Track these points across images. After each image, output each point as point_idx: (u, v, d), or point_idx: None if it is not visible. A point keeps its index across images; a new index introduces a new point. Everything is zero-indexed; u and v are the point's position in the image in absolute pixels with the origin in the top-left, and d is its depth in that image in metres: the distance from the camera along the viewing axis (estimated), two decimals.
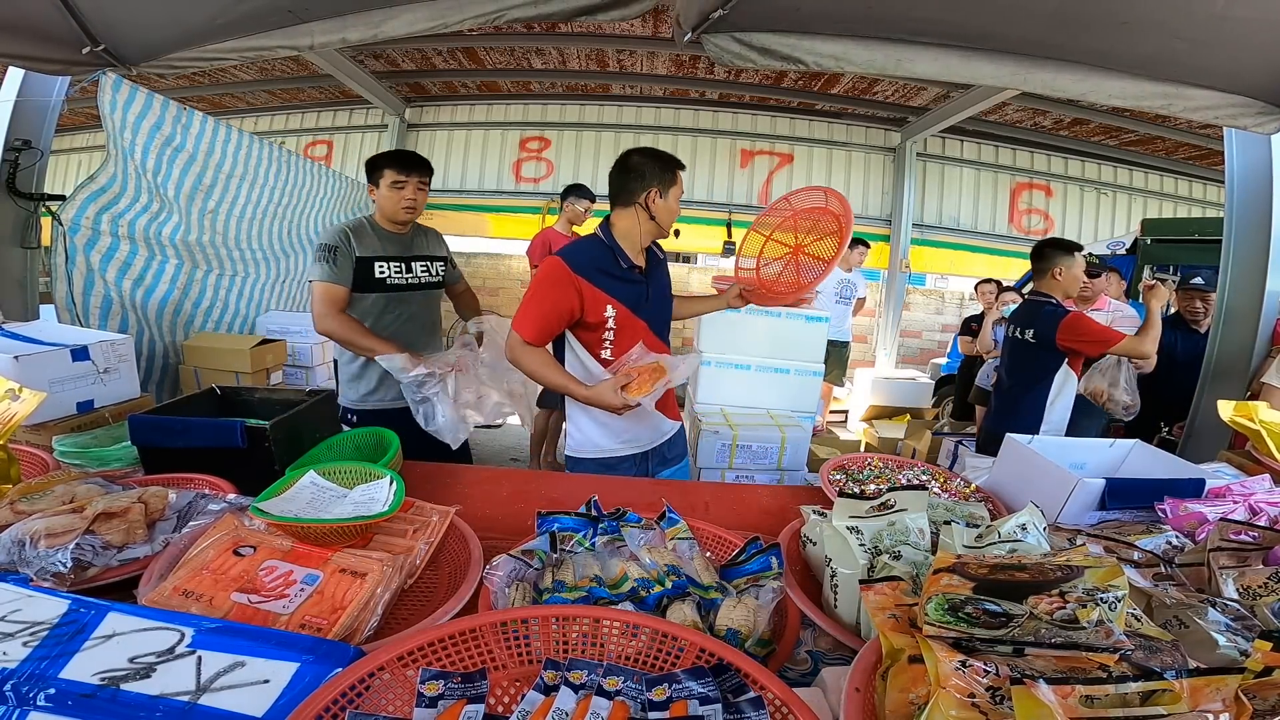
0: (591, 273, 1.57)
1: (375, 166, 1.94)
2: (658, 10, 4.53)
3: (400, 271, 1.99)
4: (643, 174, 1.60)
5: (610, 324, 1.60)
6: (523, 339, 1.57)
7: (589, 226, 3.29)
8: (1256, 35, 1.52)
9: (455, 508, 1.11)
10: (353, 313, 1.93)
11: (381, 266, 1.94)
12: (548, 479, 1.69)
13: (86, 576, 0.88)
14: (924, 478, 1.51)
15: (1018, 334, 2.51)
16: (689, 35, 1.90)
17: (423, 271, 2.06)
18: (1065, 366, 2.38)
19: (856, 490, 1.41)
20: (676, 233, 1.61)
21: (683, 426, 1.87)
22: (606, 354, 1.63)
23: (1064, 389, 2.41)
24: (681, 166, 1.66)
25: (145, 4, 1.95)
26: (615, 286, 1.61)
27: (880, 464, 1.57)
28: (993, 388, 2.94)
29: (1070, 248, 2.41)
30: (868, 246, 4.98)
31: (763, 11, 1.82)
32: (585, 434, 1.70)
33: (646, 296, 1.67)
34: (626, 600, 0.86)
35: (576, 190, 3.59)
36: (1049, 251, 2.43)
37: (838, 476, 1.50)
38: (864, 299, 5.17)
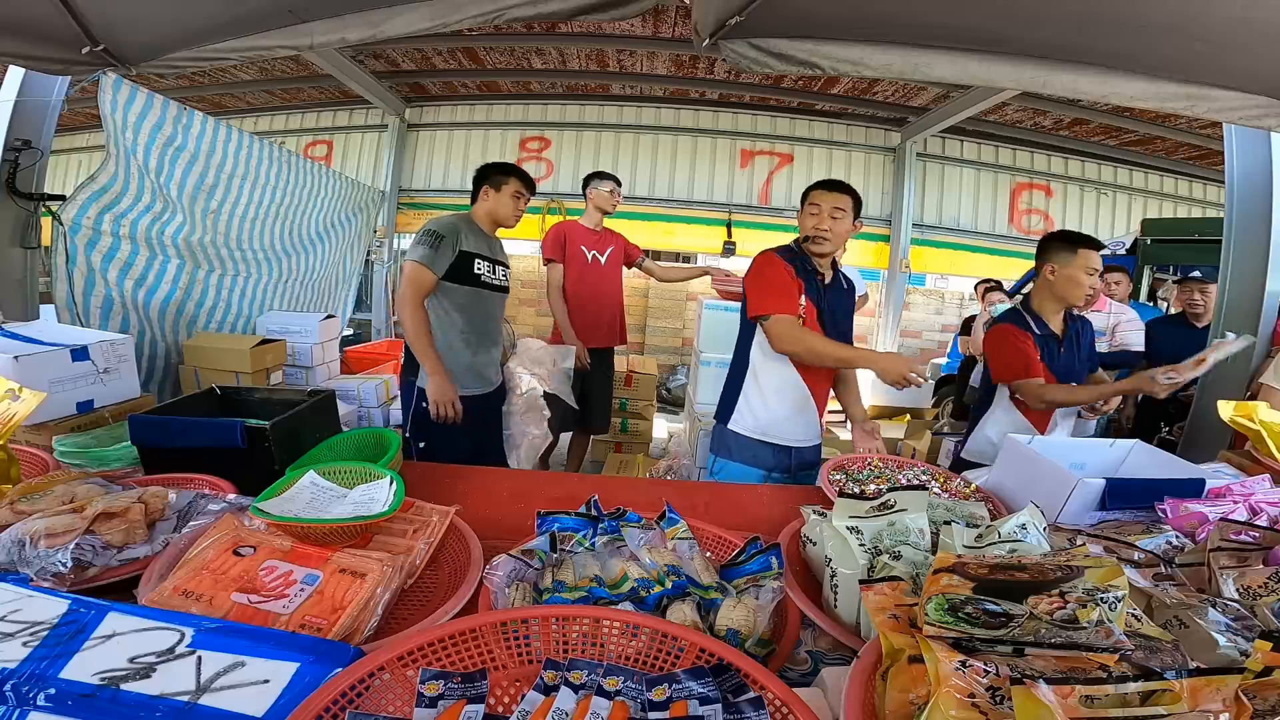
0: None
1: (503, 173, 2.17)
2: (658, 10, 4.53)
3: (490, 271, 2.18)
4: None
5: (801, 313, 1.80)
6: (787, 316, 1.75)
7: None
8: (1277, 36, 1.51)
9: (455, 508, 1.11)
10: (447, 302, 2.09)
11: (480, 264, 2.12)
12: (548, 479, 1.69)
13: (86, 576, 0.88)
14: (924, 478, 1.51)
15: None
16: (707, 41, 1.90)
17: (503, 275, 2.26)
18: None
19: (856, 490, 1.41)
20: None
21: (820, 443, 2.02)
22: None
23: (998, 407, 2.06)
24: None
25: (145, 4, 1.94)
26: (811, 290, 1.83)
27: (880, 464, 1.57)
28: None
29: (1073, 240, 1.97)
30: None
31: (779, 18, 1.82)
32: (760, 419, 1.88)
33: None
34: (626, 600, 0.86)
35: (597, 176, 3.22)
36: (1045, 244, 2.04)
37: (838, 476, 1.50)
38: (865, 296, 5.10)
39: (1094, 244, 1.98)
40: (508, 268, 2.31)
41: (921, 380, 1.61)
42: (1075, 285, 1.96)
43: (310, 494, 1.08)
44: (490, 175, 2.18)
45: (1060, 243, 2.00)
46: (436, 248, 1.99)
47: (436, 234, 2.01)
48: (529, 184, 2.20)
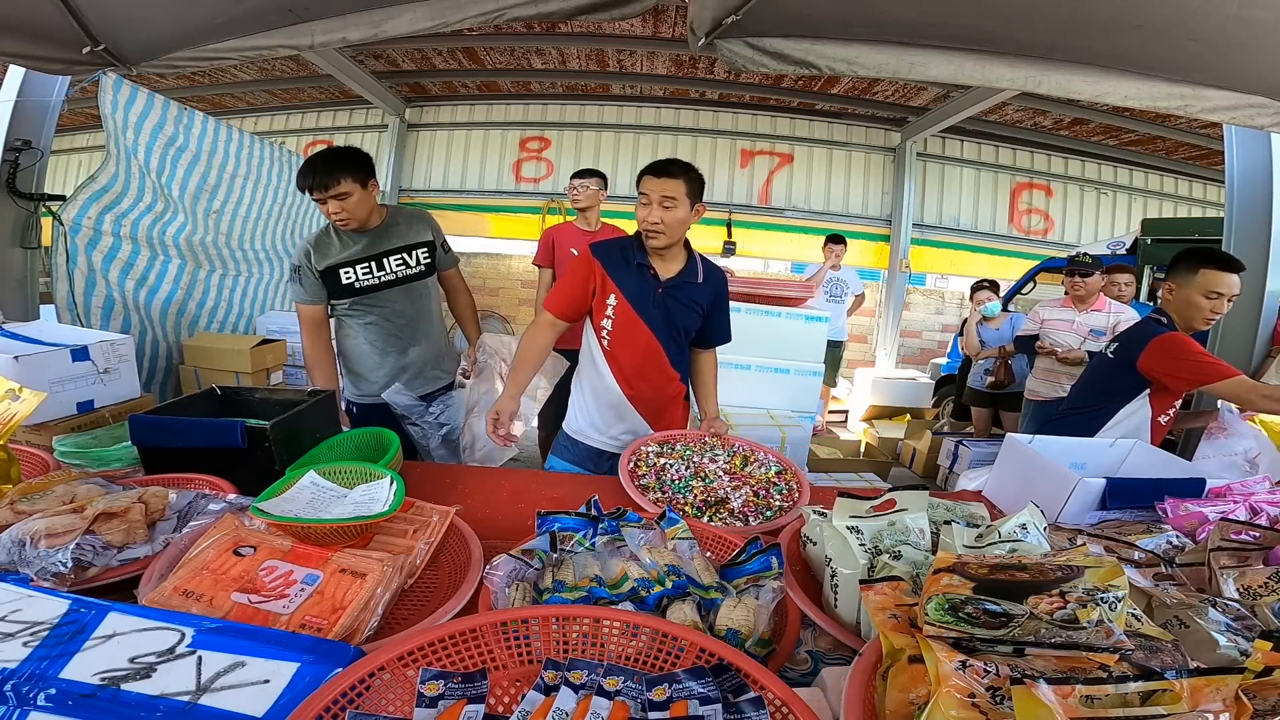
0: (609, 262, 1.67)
1: None
2: (658, 10, 4.54)
3: (370, 271, 1.93)
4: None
5: (610, 313, 1.67)
6: (544, 313, 1.71)
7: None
8: (1272, 36, 1.52)
9: (455, 508, 1.10)
10: (346, 323, 2.01)
11: (347, 272, 1.90)
12: (548, 479, 1.69)
13: (86, 576, 0.88)
14: (721, 457, 1.52)
15: (1107, 350, 2.07)
16: (702, 41, 1.90)
17: (398, 265, 1.97)
18: (1143, 399, 1.88)
19: (643, 471, 1.44)
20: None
21: None
22: (606, 343, 1.70)
23: (1126, 425, 1.89)
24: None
25: (145, 4, 1.94)
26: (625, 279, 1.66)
27: (693, 442, 1.60)
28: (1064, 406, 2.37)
29: (1197, 258, 1.84)
30: (845, 244, 4.80)
31: (775, 17, 1.82)
32: (580, 419, 1.78)
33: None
34: (626, 600, 0.86)
35: (574, 174, 3.16)
36: (1173, 260, 1.92)
37: (651, 449, 1.54)
38: (862, 295, 5.11)
39: (1220, 263, 1.80)
40: (414, 248, 2.00)
41: (494, 435, 1.58)
42: (1191, 308, 1.84)
43: (310, 494, 1.08)
44: None
45: (1183, 260, 1.85)
46: (298, 280, 1.89)
47: (294, 267, 1.89)
48: (309, 182, 1.78)
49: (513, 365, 1.68)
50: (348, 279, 1.90)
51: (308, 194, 1.81)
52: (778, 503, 1.33)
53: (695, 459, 1.49)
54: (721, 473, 1.44)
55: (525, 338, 1.70)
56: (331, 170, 1.76)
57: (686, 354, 1.79)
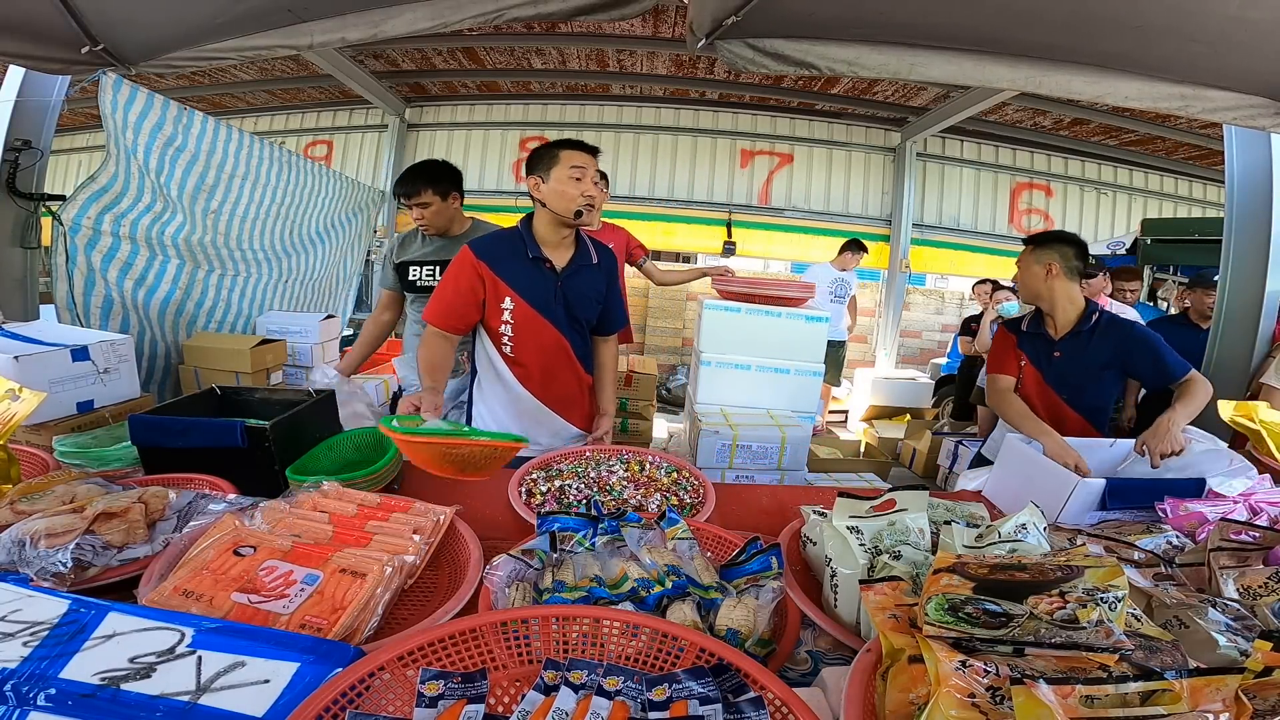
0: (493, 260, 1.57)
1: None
2: (658, 10, 4.54)
3: (433, 274, 2.11)
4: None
5: (508, 318, 1.57)
6: (431, 329, 1.58)
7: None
8: (1272, 36, 1.52)
9: (455, 508, 1.11)
10: (411, 314, 2.21)
11: (415, 270, 2.12)
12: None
13: (86, 576, 0.88)
14: (618, 468, 1.46)
15: None
16: (703, 42, 1.90)
17: None
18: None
19: (554, 507, 1.30)
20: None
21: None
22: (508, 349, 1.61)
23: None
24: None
25: (145, 3, 1.94)
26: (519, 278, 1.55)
27: (587, 456, 1.53)
28: None
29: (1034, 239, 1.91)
30: (865, 250, 4.90)
31: (776, 18, 1.82)
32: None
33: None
34: (626, 600, 0.86)
35: None
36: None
37: (535, 475, 1.43)
38: (854, 296, 5.18)
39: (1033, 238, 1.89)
40: None
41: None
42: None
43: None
44: None
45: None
46: (382, 265, 2.18)
47: (383, 254, 2.17)
48: (403, 189, 2.02)
49: (424, 374, 1.51)
50: (413, 276, 2.12)
51: (400, 200, 2.04)
52: (689, 500, 1.33)
53: (591, 474, 1.43)
54: (626, 482, 1.40)
55: (425, 351, 1.54)
56: (415, 181, 2.01)
57: (589, 342, 1.74)
